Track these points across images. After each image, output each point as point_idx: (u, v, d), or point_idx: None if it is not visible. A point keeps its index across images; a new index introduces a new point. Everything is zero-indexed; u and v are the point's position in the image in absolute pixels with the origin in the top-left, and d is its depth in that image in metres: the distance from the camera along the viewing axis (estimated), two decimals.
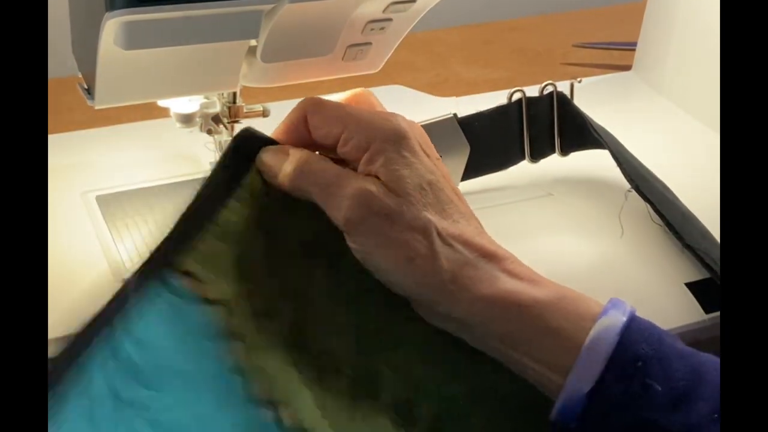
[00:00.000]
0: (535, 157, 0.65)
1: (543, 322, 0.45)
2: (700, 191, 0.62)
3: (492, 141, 0.63)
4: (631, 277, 0.58)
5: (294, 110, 0.51)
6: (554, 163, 0.66)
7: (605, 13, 1.16)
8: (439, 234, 0.47)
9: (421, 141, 0.50)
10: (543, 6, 1.17)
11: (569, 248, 0.60)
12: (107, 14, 0.44)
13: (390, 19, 0.54)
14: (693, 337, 0.56)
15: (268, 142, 0.51)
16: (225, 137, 0.60)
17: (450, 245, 0.47)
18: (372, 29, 0.55)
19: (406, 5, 0.53)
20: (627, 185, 0.62)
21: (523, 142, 0.64)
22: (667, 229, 0.58)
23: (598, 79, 0.86)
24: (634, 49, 0.87)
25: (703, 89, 0.76)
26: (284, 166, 0.49)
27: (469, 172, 0.63)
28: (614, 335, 0.43)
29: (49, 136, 0.60)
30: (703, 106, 0.76)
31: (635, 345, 0.43)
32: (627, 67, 0.87)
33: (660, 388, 0.42)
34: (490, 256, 0.47)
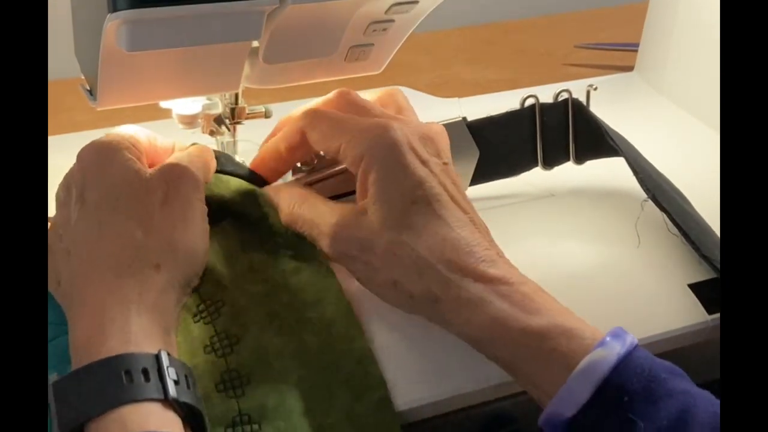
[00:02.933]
0: (549, 164, 0.64)
1: (533, 352, 0.45)
2: (702, 192, 0.62)
3: (504, 147, 0.63)
4: (634, 279, 0.57)
5: (292, 124, 0.53)
6: (564, 168, 0.65)
7: (607, 13, 1.16)
8: (418, 256, 0.47)
9: (418, 146, 0.50)
10: (545, 7, 1.17)
11: (573, 250, 0.60)
12: (109, 15, 0.44)
13: (392, 20, 0.54)
14: (695, 338, 0.56)
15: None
16: (227, 138, 0.60)
17: (432, 266, 0.47)
18: (374, 30, 0.55)
19: (409, 6, 0.53)
20: (636, 193, 0.61)
21: (536, 148, 0.63)
22: (684, 240, 0.58)
23: (600, 80, 0.85)
24: (636, 50, 0.86)
25: (706, 90, 0.75)
26: (280, 205, 0.54)
27: (480, 177, 0.62)
28: (606, 367, 0.43)
29: (51, 137, 0.60)
30: (706, 107, 0.76)
31: (625, 379, 0.43)
32: (629, 68, 0.87)
33: (643, 425, 0.42)
34: (479, 277, 0.46)
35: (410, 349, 0.50)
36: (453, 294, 0.46)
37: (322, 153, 0.56)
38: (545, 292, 0.48)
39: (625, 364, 0.43)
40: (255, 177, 0.56)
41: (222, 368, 0.48)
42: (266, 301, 0.51)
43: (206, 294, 0.51)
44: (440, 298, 0.47)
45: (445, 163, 0.51)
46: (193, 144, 0.55)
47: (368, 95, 0.56)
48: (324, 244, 0.51)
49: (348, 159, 0.50)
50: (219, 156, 0.56)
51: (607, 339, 0.44)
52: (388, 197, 0.48)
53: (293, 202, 0.53)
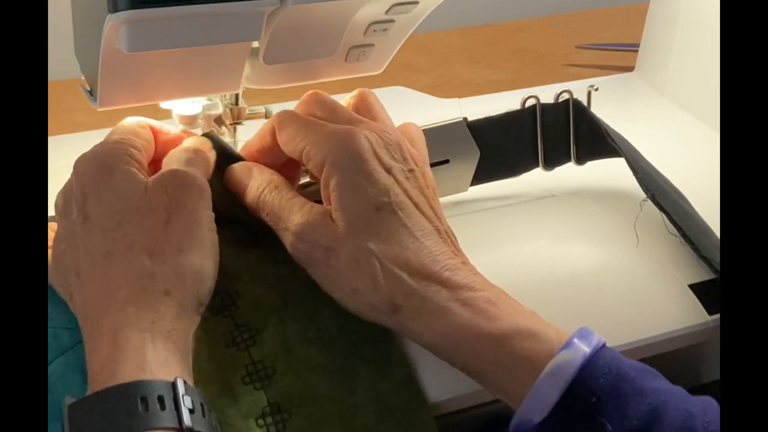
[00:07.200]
0: (549, 164, 0.64)
1: (497, 357, 0.44)
2: (701, 192, 0.62)
3: (504, 147, 0.62)
4: (634, 279, 0.57)
5: (265, 125, 0.53)
6: (564, 168, 0.65)
7: (608, 14, 1.16)
8: (381, 264, 0.47)
9: (383, 153, 0.49)
10: (546, 7, 1.17)
11: (573, 250, 0.60)
12: (110, 16, 0.44)
13: (393, 21, 0.54)
14: (696, 338, 0.56)
15: (232, 156, 0.54)
16: (227, 139, 0.60)
17: (395, 275, 0.46)
18: (375, 30, 0.54)
19: (409, 6, 0.53)
20: (638, 193, 0.61)
21: (537, 149, 0.63)
22: (683, 240, 0.58)
23: (600, 80, 0.86)
24: (636, 50, 0.87)
25: (706, 90, 0.75)
26: (247, 190, 0.52)
27: (481, 178, 0.62)
28: (573, 369, 0.42)
29: (52, 138, 0.60)
30: (706, 107, 0.76)
31: (592, 380, 0.42)
32: (630, 68, 0.87)
33: (611, 428, 0.41)
34: (442, 284, 0.46)
35: (408, 352, 0.50)
36: (415, 303, 0.46)
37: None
38: (510, 297, 0.47)
39: (591, 364, 0.42)
40: None
41: (246, 361, 0.49)
42: (280, 283, 0.51)
43: (221, 288, 0.50)
44: (401, 306, 0.46)
45: (411, 170, 0.50)
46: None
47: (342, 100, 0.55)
48: (287, 241, 0.49)
49: (310, 164, 0.49)
50: (216, 143, 0.54)
51: (574, 340, 0.43)
52: (350, 204, 0.48)
53: (263, 187, 0.51)
